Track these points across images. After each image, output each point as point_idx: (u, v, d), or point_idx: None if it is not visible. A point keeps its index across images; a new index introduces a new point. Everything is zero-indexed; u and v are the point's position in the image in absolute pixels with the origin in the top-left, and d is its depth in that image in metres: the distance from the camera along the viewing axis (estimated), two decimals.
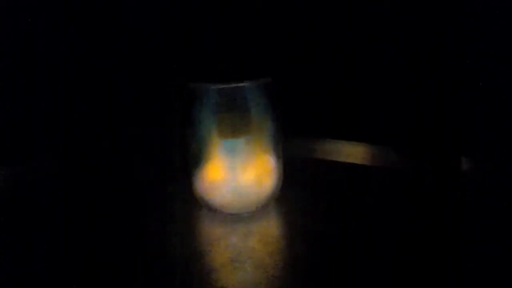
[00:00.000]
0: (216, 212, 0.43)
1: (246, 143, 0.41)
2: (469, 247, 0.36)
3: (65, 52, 0.57)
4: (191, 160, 0.42)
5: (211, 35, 0.55)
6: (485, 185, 0.46)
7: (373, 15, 0.50)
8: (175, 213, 0.44)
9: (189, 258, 0.37)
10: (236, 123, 0.40)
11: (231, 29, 0.54)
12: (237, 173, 0.41)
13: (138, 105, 0.63)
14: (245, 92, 0.39)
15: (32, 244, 0.40)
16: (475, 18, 0.45)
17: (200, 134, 0.41)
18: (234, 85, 0.39)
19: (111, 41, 0.60)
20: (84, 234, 0.41)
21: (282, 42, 0.54)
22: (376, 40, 0.51)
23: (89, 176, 0.55)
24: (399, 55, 0.50)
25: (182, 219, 0.43)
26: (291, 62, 0.54)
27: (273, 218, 0.43)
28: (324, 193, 0.47)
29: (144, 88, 0.62)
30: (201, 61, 0.46)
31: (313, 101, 0.55)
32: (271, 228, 0.42)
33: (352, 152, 0.54)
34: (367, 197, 0.46)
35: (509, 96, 0.46)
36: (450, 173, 0.49)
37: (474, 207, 0.42)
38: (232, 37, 0.53)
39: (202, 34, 0.56)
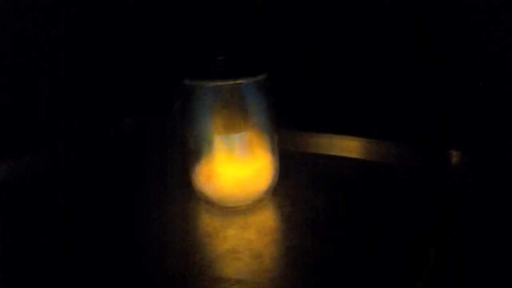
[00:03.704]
0: (214, 205, 0.44)
1: (243, 138, 0.42)
2: (466, 243, 0.37)
3: (65, 48, 0.58)
4: (189, 155, 0.43)
5: (207, 33, 0.56)
6: (478, 178, 0.47)
7: (369, 12, 0.51)
8: (174, 206, 0.45)
9: (188, 249, 0.38)
10: (232, 119, 0.41)
11: (227, 27, 0.55)
12: (235, 167, 0.42)
13: (138, 100, 0.65)
14: (241, 89, 0.40)
15: (32, 240, 0.41)
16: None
17: (197, 130, 0.42)
18: (230, 82, 0.40)
19: (111, 38, 0.61)
20: (84, 227, 0.43)
21: (277, 38, 0.54)
22: (372, 37, 0.51)
23: (88, 169, 0.56)
24: (396, 51, 0.51)
25: (181, 212, 0.44)
26: (287, 57, 0.55)
27: (269, 210, 0.44)
28: (318, 186, 0.48)
29: (143, 83, 0.63)
30: (198, 58, 0.47)
31: (308, 95, 0.56)
32: (267, 220, 0.43)
33: (347, 146, 0.55)
34: (361, 190, 0.47)
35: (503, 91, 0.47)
36: (444, 166, 0.50)
37: (469, 201, 0.43)
38: (228, 35, 0.53)
39: (199, 32, 0.56)
